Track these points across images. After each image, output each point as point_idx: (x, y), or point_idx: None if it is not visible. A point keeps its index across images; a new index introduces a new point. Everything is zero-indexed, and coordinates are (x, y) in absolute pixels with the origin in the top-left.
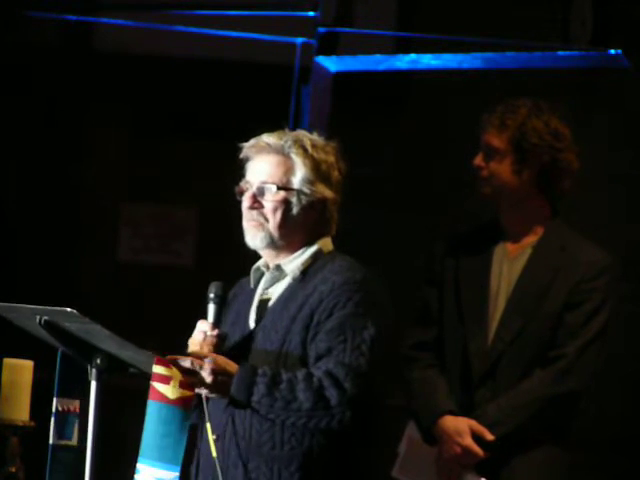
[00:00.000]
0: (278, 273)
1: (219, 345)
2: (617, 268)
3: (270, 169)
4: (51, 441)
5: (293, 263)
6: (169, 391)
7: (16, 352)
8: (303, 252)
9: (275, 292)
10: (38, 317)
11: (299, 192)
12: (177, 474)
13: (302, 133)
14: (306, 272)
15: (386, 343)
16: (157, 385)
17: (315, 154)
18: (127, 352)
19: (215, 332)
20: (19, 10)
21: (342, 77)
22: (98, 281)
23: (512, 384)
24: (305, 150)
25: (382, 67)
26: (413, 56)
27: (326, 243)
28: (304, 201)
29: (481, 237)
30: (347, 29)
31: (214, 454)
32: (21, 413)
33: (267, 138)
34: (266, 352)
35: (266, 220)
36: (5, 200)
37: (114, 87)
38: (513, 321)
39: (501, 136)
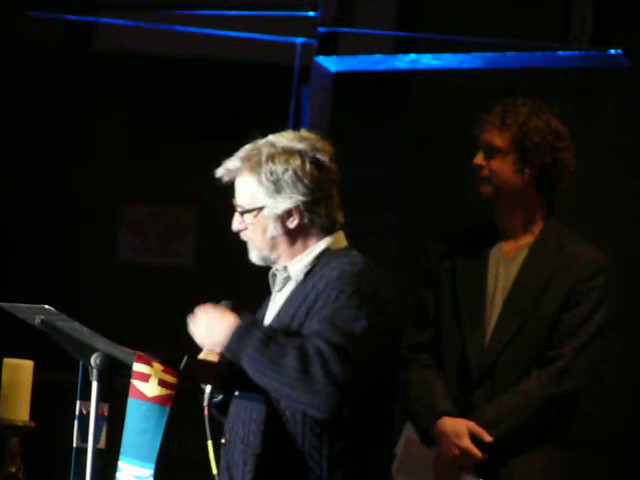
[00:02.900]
0: (287, 274)
1: (227, 358)
2: (613, 268)
3: (239, 191)
4: (74, 444)
5: (297, 265)
6: (148, 389)
7: (16, 352)
8: (309, 253)
9: (284, 294)
10: (36, 317)
11: (267, 208)
12: (152, 471)
13: (265, 142)
14: (310, 272)
15: (386, 339)
16: (136, 383)
17: (271, 166)
18: (112, 349)
19: None
20: (19, 10)
21: (342, 77)
22: (98, 281)
23: (510, 384)
24: (259, 165)
25: (382, 67)
26: (413, 56)
27: (337, 240)
28: (275, 215)
29: (478, 237)
30: (347, 29)
31: (214, 471)
32: (21, 413)
33: (231, 161)
34: None
35: (252, 239)
36: (5, 200)
37: (114, 87)
38: (510, 322)
39: (503, 135)
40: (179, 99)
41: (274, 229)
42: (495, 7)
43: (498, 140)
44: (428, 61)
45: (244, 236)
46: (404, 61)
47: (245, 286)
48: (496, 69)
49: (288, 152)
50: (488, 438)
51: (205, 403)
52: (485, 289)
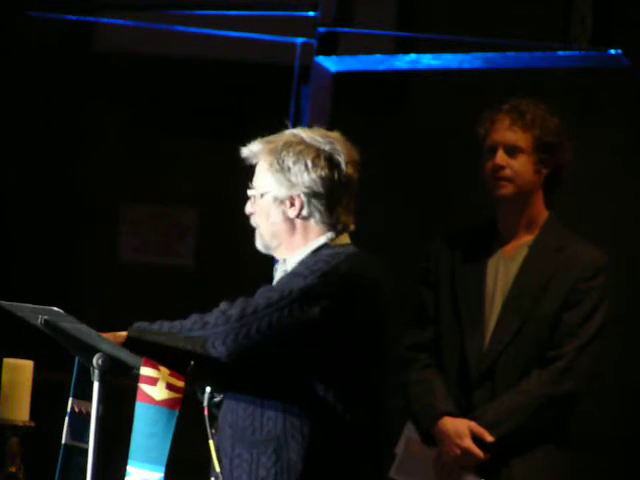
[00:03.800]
0: (286, 268)
1: None
2: (613, 268)
3: (256, 173)
4: (63, 441)
5: (295, 259)
6: (156, 392)
7: (16, 352)
8: (308, 247)
9: None
10: (40, 317)
11: (271, 193)
12: (162, 475)
13: (290, 132)
14: None
15: (350, 338)
16: (144, 387)
17: (285, 153)
18: (116, 351)
19: None
20: (19, 10)
21: (342, 77)
22: (98, 281)
23: (510, 385)
24: (275, 151)
25: (382, 67)
26: (413, 56)
27: (338, 238)
28: (277, 201)
29: (478, 237)
30: (347, 29)
31: (217, 469)
32: (21, 413)
33: (254, 144)
34: None
35: (258, 225)
36: (5, 200)
37: (114, 87)
38: (510, 321)
39: (526, 135)
40: (179, 99)
41: (275, 215)
42: (495, 7)
43: (522, 140)
44: (428, 61)
45: (252, 221)
46: (404, 61)
47: (245, 286)
48: (496, 69)
49: (306, 144)
50: (489, 438)
51: (205, 403)
52: (485, 289)
